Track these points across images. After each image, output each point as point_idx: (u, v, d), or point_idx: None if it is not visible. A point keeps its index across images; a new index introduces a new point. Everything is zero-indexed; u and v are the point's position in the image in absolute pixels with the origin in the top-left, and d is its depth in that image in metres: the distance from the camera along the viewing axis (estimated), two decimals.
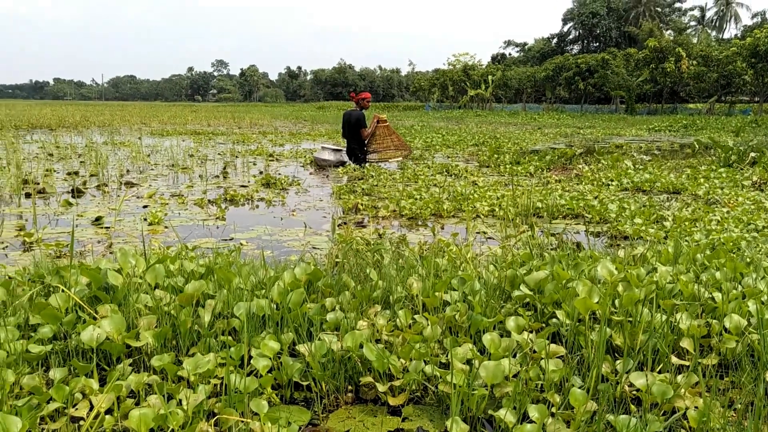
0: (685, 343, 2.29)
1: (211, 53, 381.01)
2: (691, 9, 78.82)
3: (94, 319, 2.37)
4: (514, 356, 2.22)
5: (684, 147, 15.59)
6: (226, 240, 4.93)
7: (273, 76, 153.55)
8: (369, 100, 11.19)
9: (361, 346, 2.18)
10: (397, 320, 2.49)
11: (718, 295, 2.62)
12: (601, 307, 2.37)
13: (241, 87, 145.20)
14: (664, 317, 2.37)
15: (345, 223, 5.59)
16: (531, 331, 2.42)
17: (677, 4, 79.94)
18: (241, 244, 4.63)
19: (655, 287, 2.66)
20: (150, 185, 8.13)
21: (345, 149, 11.00)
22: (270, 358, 2.16)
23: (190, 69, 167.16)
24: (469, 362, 2.16)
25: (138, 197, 7.10)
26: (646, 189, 7.87)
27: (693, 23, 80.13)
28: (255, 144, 15.54)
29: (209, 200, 6.87)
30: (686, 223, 5.23)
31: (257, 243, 4.82)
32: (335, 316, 2.48)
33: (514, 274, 2.88)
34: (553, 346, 2.25)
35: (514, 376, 2.10)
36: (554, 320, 2.51)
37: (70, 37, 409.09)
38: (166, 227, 5.38)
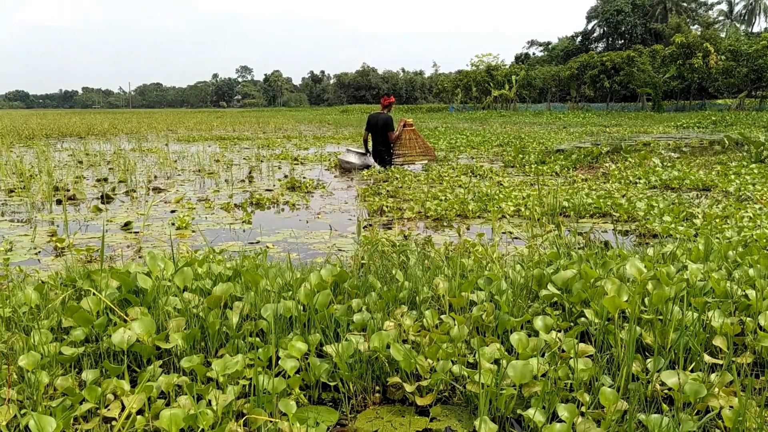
0: (718, 342, 2.24)
1: (236, 60, 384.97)
2: (718, 3, 77.10)
3: (125, 321, 2.41)
4: (543, 356, 2.20)
5: (713, 143, 15.30)
6: (252, 243, 4.97)
7: (297, 81, 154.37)
8: (394, 103, 11.53)
9: (388, 347, 2.17)
10: (424, 320, 2.49)
11: (751, 293, 2.56)
12: (631, 305, 2.34)
13: (265, 92, 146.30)
14: (696, 315, 2.33)
15: (370, 225, 5.60)
16: (559, 331, 2.39)
17: None
18: (268, 247, 4.67)
19: (686, 285, 2.61)
20: (177, 190, 8.24)
21: (370, 152, 11.14)
22: (297, 359, 2.17)
23: (215, 76, 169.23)
24: (496, 362, 2.15)
25: (166, 202, 7.20)
26: (674, 186, 7.74)
27: (721, 18, 78.61)
28: (280, 148, 15.65)
29: (235, 204, 6.94)
30: (717, 221, 5.13)
31: (283, 246, 4.85)
32: (362, 317, 2.48)
33: (542, 274, 2.86)
34: (581, 345, 2.22)
35: (543, 375, 2.08)
36: (583, 319, 2.48)
37: (97, 47, 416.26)
38: (193, 231, 5.44)
